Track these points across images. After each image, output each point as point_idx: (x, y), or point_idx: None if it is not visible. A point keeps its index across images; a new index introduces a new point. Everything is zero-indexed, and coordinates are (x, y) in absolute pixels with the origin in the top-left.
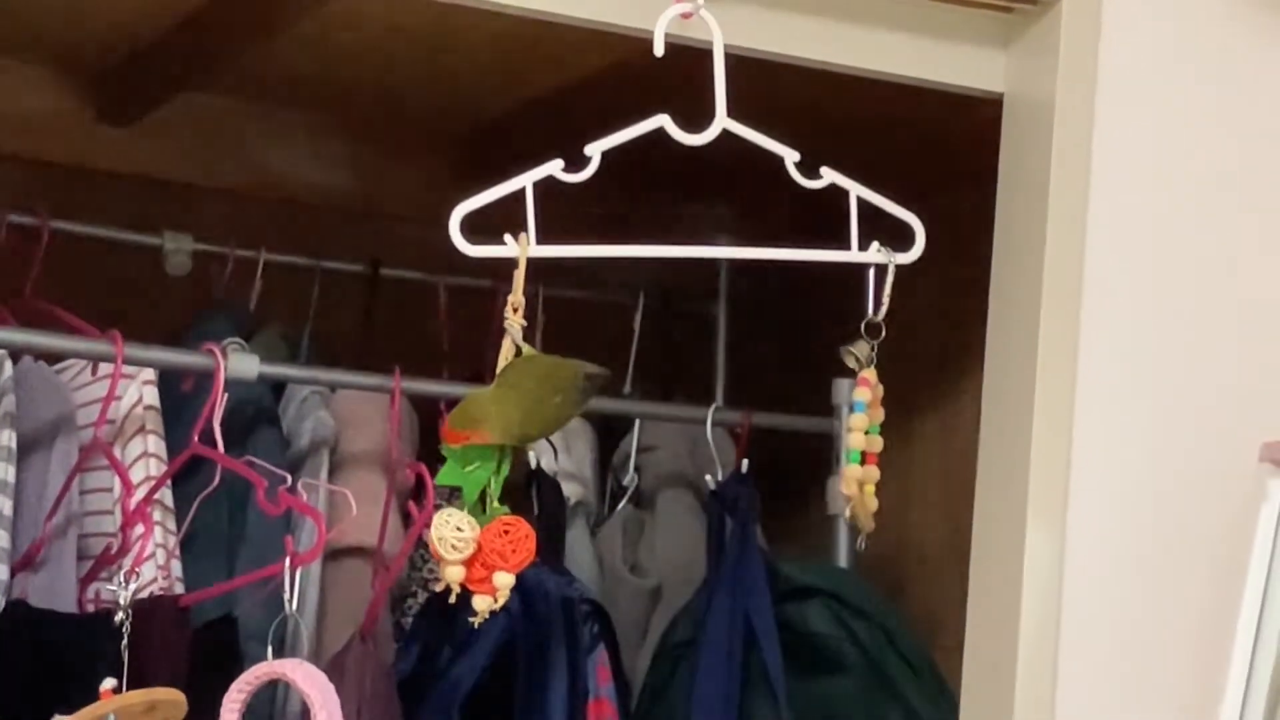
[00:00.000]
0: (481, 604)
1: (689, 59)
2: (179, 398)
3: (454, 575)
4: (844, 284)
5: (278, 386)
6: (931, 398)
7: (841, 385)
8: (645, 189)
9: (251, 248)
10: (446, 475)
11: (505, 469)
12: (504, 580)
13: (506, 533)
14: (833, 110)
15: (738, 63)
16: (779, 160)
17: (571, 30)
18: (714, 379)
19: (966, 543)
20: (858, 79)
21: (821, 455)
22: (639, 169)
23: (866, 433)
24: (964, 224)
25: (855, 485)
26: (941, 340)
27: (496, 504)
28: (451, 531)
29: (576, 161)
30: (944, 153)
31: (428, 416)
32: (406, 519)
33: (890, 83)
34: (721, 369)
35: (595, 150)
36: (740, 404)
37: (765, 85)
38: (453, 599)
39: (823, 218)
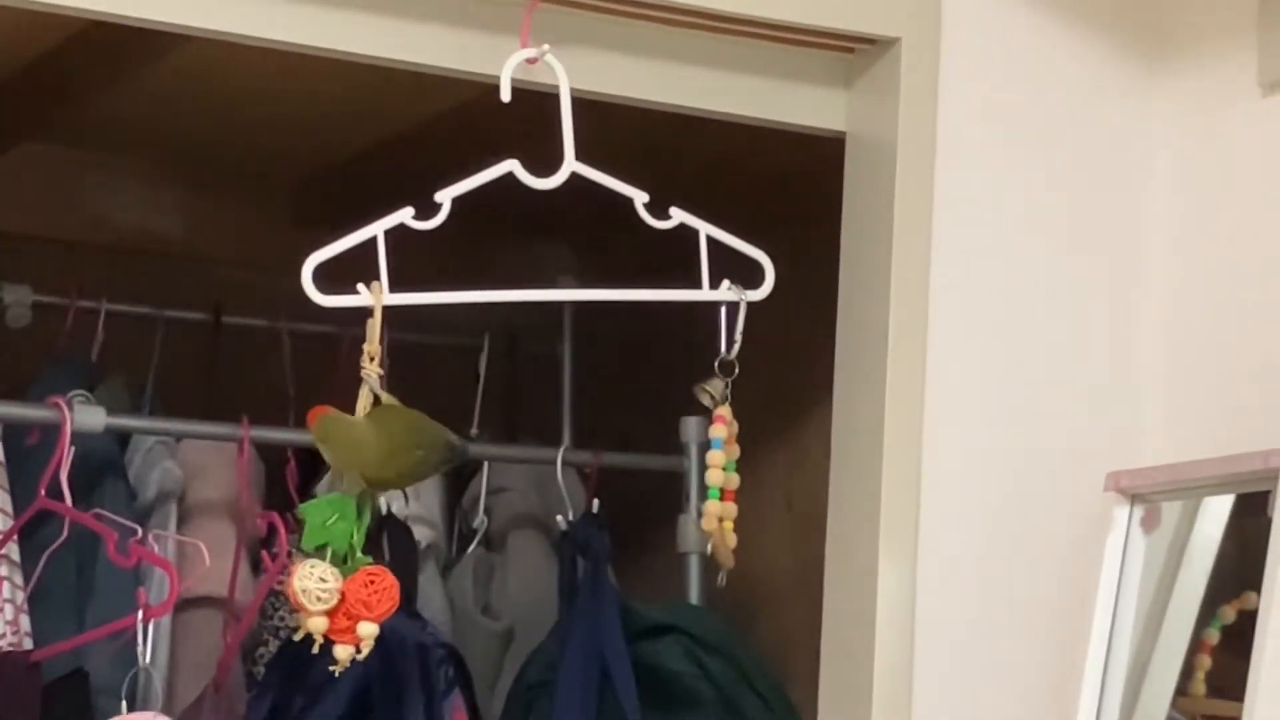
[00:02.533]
0: (343, 653)
1: (531, 102)
2: (21, 451)
3: (317, 626)
4: (689, 322)
5: (123, 437)
6: (776, 432)
7: (689, 423)
8: (485, 230)
9: (91, 298)
10: (311, 536)
11: (366, 518)
12: (368, 630)
13: (371, 583)
14: (678, 150)
15: (582, 105)
16: (622, 199)
17: (411, 75)
18: (560, 419)
19: (814, 575)
20: (702, 120)
21: (669, 494)
22: (479, 210)
23: (724, 469)
24: (806, 258)
25: (715, 521)
26: (784, 374)
27: (360, 554)
28: (315, 583)
29: (424, 208)
30: (787, 189)
31: (274, 464)
32: (254, 568)
33: (733, 123)
34: (567, 409)
35: (446, 197)
36: (586, 444)
37: (610, 127)
38: (316, 649)
39: (668, 255)
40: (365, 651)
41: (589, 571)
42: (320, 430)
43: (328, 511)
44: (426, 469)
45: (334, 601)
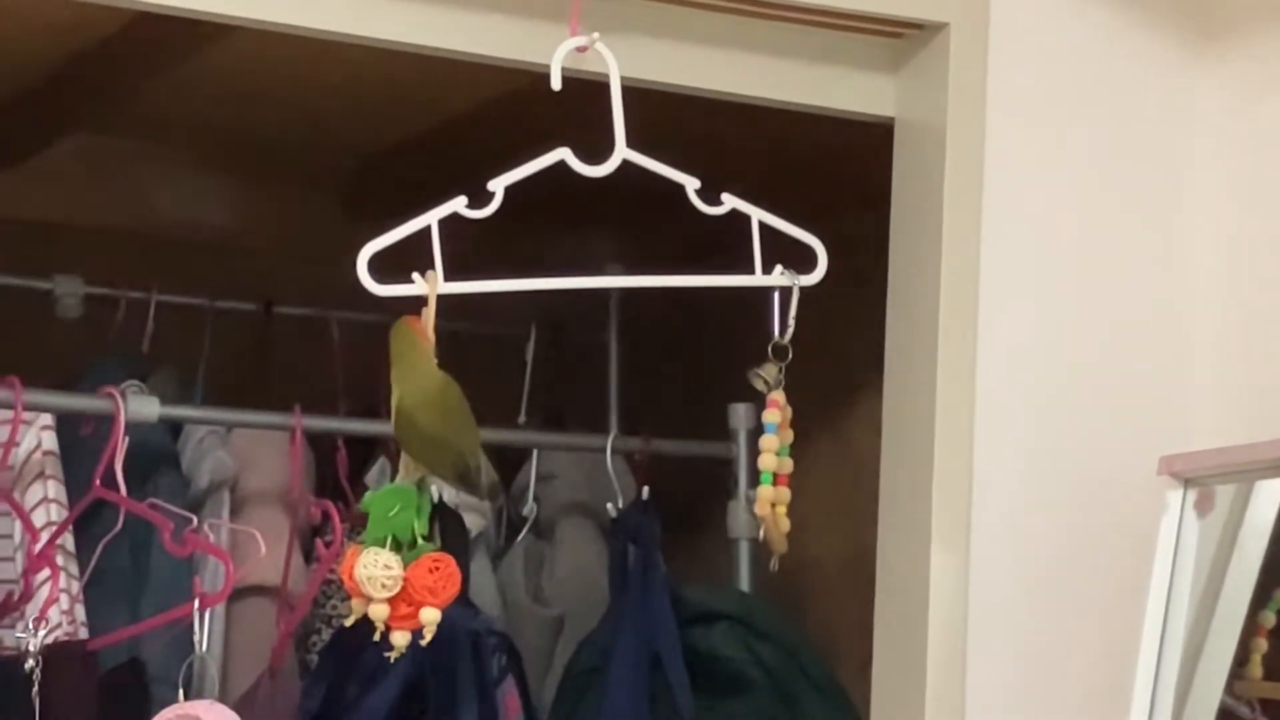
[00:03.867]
0: (401, 640)
1: (574, 89)
2: (75, 442)
3: (380, 613)
4: (735, 308)
5: (174, 428)
6: (826, 419)
7: (738, 409)
8: (526, 218)
9: (141, 289)
10: (376, 527)
11: (428, 508)
12: (431, 616)
13: (435, 569)
14: (725, 137)
15: (628, 93)
16: (668, 187)
17: (457, 64)
18: (607, 407)
19: (864, 562)
20: (750, 106)
21: (718, 480)
22: (521, 198)
23: (777, 454)
24: (852, 245)
25: (769, 506)
26: (834, 361)
27: (422, 540)
28: (380, 570)
29: (473, 196)
30: (835, 176)
31: (323, 453)
32: (305, 556)
33: (781, 109)
34: (614, 396)
35: (499, 185)
36: (632, 431)
37: (656, 114)
38: (377, 636)
39: (713, 242)
40: (428, 637)
41: (640, 558)
42: (399, 336)
43: (391, 502)
44: (447, 455)
45: (397, 588)
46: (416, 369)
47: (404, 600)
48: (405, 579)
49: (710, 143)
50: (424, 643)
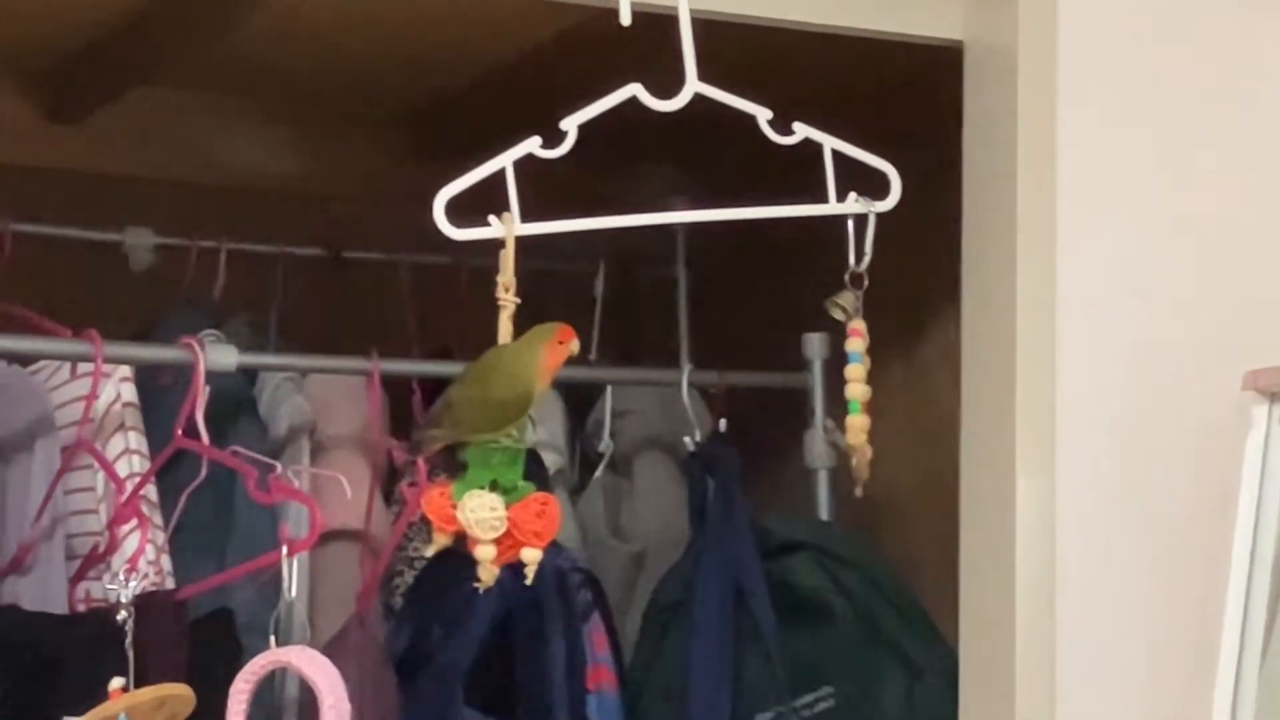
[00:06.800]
0: (490, 576)
1: (637, 22)
2: (154, 393)
3: (487, 554)
4: (802, 238)
5: (249, 376)
6: (897, 347)
7: (812, 339)
8: (592, 155)
9: (209, 239)
10: (476, 476)
11: (523, 452)
12: (533, 556)
13: (543, 512)
14: (789, 66)
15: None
16: (731, 117)
17: (517, 2)
18: (678, 341)
19: (939, 490)
20: (815, 34)
21: (789, 411)
22: (584, 136)
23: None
24: (922, 171)
25: (860, 434)
26: (903, 288)
27: (523, 482)
28: (487, 512)
29: (549, 136)
30: (903, 103)
31: (397, 396)
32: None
33: (848, 36)
34: (685, 330)
35: (571, 124)
36: (704, 365)
37: (719, 45)
38: (488, 579)
39: (780, 174)
40: (531, 577)
41: (719, 491)
42: (522, 363)
43: (490, 449)
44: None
45: (504, 528)
46: (516, 378)
47: (505, 540)
48: (510, 519)
49: (775, 73)
50: (528, 582)
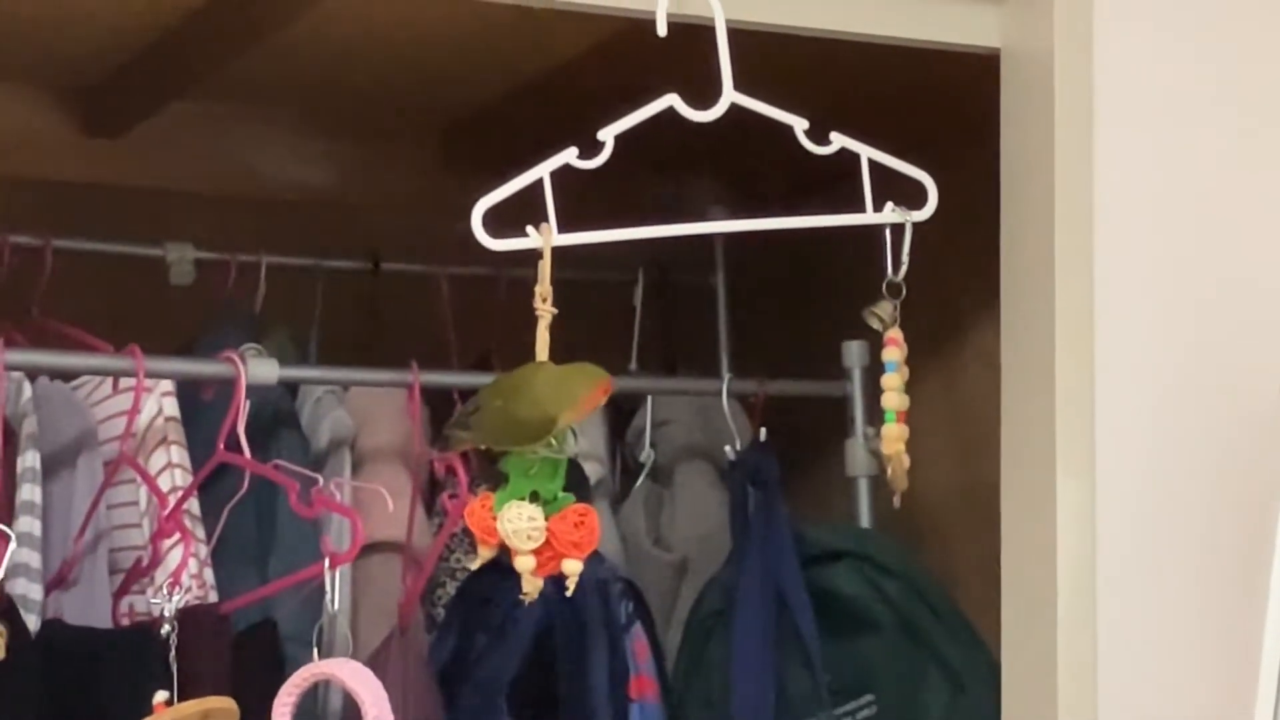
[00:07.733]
0: (533, 586)
1: (677, 34)
2: (193, 406)
3: (526, 565)
4: (838, 247)
5: (291, 389)
6: (934, 354)
7: (852, 347)
8: (626, 166)
9: (247, 252)
10: (517, 487)
11: (563, 464)
12: (574, 567)
13: (581, 524)
14: (824, 75)
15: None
16: (767, 127)
17: (554, 14)
18: (717, 350)
19: (977, 497)
20: (850, 43)
21: (827, 419)
22: (621, 146)
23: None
24: (953, 176)
25: (897, 444)
26: (938, 295)
27: (562, 493)
28: (526, 523)
29: (585, 147)
30: (933, 108)
31: (437, 408)
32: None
33: (883, 45)
34: (724, 339)
35: (608, 135)
36: (742, 373)
37: (755, 56)
38: (532, 591)
39: (815, 182)
40: (571, 588)
41: (761, 500)
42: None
43: (530, 460)
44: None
45: (543, 539)
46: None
47: (545, 551)
48: (549, 530)
49: (809, 81)
50: (568, 594)
